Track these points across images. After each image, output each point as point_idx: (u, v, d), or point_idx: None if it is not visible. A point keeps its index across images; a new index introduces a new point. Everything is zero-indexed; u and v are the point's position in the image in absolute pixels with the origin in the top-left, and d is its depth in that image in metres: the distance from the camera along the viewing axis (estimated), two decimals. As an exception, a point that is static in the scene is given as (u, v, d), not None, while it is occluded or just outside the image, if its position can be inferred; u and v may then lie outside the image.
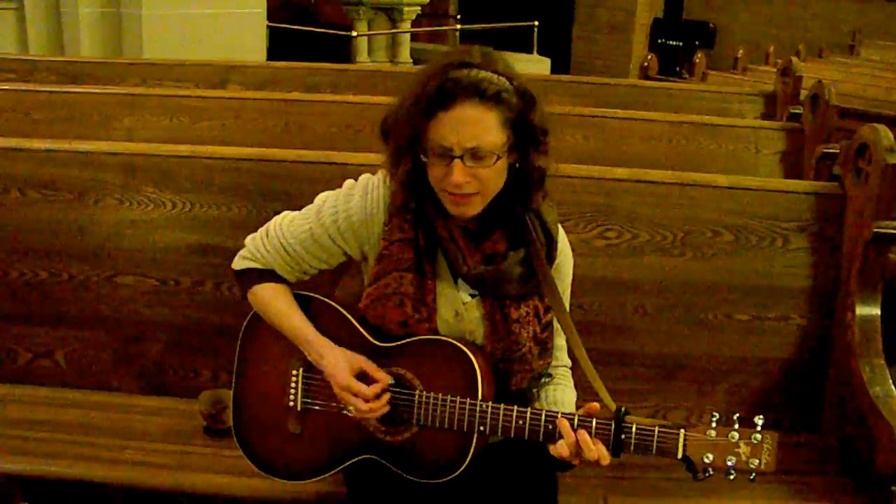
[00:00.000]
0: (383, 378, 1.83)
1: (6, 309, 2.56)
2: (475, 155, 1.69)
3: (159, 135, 3.58)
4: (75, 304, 2.54)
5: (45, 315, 2.55)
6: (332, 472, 1.92)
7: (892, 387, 2.28)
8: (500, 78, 1.70)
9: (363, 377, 1.83)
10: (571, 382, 2.01)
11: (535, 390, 1.96)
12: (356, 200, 1.89)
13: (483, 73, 1.69)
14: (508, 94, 1.70)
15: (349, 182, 1.94)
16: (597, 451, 1.71)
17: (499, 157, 1.71)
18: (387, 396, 1.83)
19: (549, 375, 1.99)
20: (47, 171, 2.53)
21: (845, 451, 2.34)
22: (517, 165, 1.77)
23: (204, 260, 2.49)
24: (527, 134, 1.74)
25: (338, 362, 1.84)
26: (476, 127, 1.68)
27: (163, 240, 2.52)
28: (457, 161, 1.69)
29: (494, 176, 1.74)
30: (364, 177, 1.93)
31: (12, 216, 2.53)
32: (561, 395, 1.96)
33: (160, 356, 2.55)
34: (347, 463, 1.90)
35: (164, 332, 2.54)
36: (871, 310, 2.38)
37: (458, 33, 10.12)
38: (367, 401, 1.81)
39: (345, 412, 1.86)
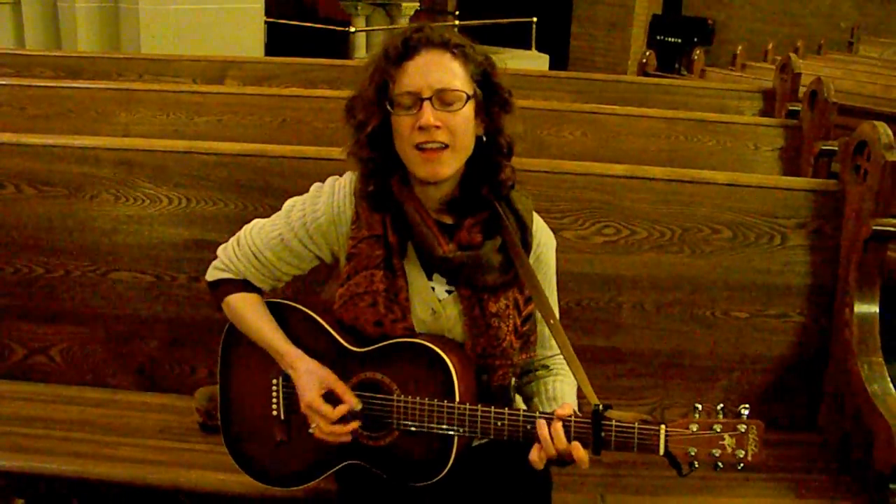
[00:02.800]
0: (349, 401, 1.81)
1: (1, 304, 2.55)
2: (443, 98, 1.71)
3: (156, 130, 3.58)
4: (71, 300, 2.53)
5: (40, 311, 2.55)
6: (320, 478, 1.91)
7: (890, 384, 2.27)
8: (462, 38, 1.78)
9: (332, 396, 1.82)
10: (569, 371, 1.99)
11: (532, 384, 1.95)
12: (323, 201, 1.89)
13: (447, 32, 1.77)
14: (471, 51, 1.76)
15: (316, 185, 1.94)
16: (570, 449, 1.68)
17: (467, 100, 1.73)
18: (354, 424, 1.81)
19: (546, 367, 1.97)
20: (43, 167, 2.52)
21: (843, 449, 2.34)
22: (484, 138, 1.78)
23: (200, 255, 2.47)
24: (493, 91, 1.78)
25: (309, 379, 1.82)
26: (442, 70, 1.73)
27: (159, 235, 2.51)
28: (426, 103, 1.71)
29: (463, 126, 1.74)
30: (330, 179, 1.92)
31: (8, 211, 2.52)
32: (560, 386, 1.94)
33: (156, 352, 2.54)
34: (334, 469, 1.89)
35: (160, 328, 2.53)
36: (869, 307, 2.37)
37: (455, 29, 10.11)
38: (329, 422, 1.80)
39: (309, 431, 1.84)
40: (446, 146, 1.73)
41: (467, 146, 1.77)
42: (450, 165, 1.75)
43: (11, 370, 2.57)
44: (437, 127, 1.70)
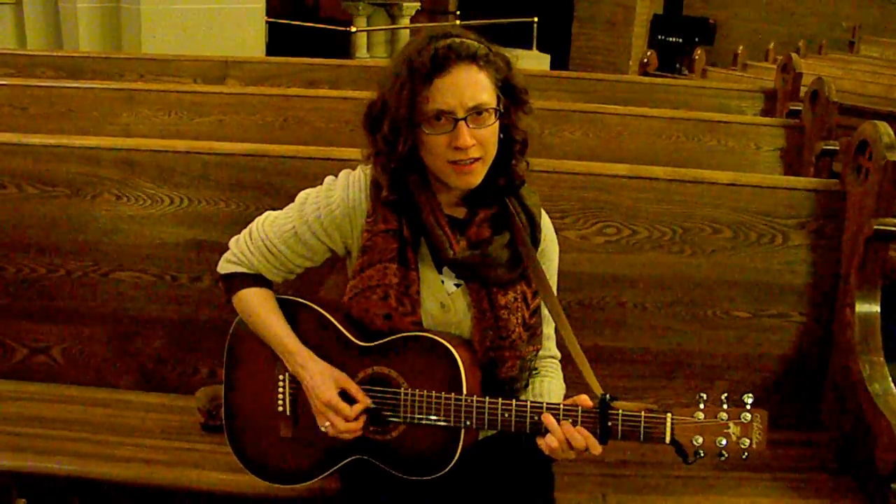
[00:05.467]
0: (363, 399, 1.83)
1: (3, 304, 2.55)
2: (476, 115, 1.73)
3: (157, 130, 3.59)
4: (72, 299, 2.53)
5: (41, 311, 2.55)
6: (325, 474, 1.92)
7: (892, 384, 2.27)
8: (481, 44, 1.77)
9: (344, 396, 1.83)
10: (560, 375, 2.01)
11: (521, 382, 1.95)
12: (338, 194, 1.89)
13: (468, 40, 1.75)
14: (494, 57, 1.77)
15: (329, 178, 1.94)
16: (583, 439, 1.70)
17: (497, 115, 1.76)
18: (363, 419, 1.83)
19: (536, 369, 1.98)
20: (45, 167, 2.52)
21: (844, 449, 2.34)
22: (501, 135, 1.80)
23: (201, 255, 2.48)
24: (512, 94, 1.80)
25: (322, 377, 1.84)
26: (474, 87, 1.73)
27: (160, 235, 2.51)
28: (461, 123, 1.72)
29: (493, 139, 1.77)
30: (344, 171, 1.93)
31: (9, 211, 2.52)
32: (548, 386, 1.95)
33: (157, 352, 2.54)
34: (339, 465, 1.90)
35: (161, 327, 2.53)
36: (870, 307, 2.37)
37: (458, 24, 10.10)
38: (346, 420, 1.81)
39: (322, 429, 1.85)
40: (479, 158, 1.76)
41: (494, 152, 1.80)
42: (482, 174, 1.79)
43: (13, 370, 2.57)
44: (473, 144, 1.73)
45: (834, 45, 10.36)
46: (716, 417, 1.67)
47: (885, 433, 2.13)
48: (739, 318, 2.47)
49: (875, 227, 2.31)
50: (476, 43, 1.75)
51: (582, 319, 2.44)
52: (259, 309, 1.92)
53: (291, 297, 1.95)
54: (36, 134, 2.65)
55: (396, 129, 1.75)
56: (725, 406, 1.68)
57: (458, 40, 1.73)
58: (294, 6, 11.42)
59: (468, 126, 1.72)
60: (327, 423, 1.83)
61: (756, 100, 4.45)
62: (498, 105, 1.76)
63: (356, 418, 1.82)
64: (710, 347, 2.48)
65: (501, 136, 1.80)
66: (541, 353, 1.98)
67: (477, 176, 1.78)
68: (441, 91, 1.71)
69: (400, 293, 1.85)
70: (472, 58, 1.73)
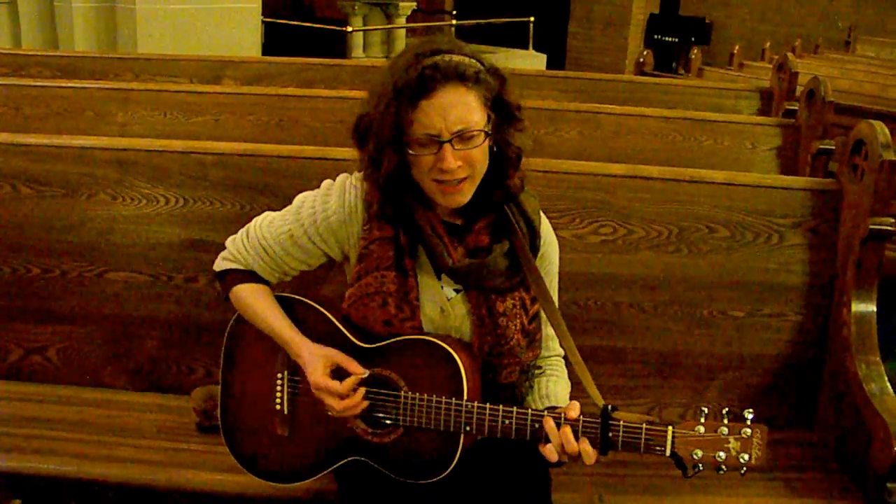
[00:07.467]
0: (357, 371, 1.80)
1: (-2, 305, 2.55)
2: (463, 137, 1.70)
3: (153, 130, 3.58)
4: (68, 299, 2.53)
5: (37, 311, 2.54)
6: (321, 474, 1.91)
7: (888, 383, 2.27)
8: (473, 60, 1.72)
9: (340, 373, 1.81)
10: (565, 373, 2.00)
11: (526, 383, 1.94)
12: (334, 201, 1.88)
13: (457, 58, 1.70)
14: (484, 75, 1.72)
15: (327, 182, 1.93)
16: (579, 447, 1.69)
17: (485, 137, 1.72)
18: (362, 391, 1.80)
19: (540, 367, 1.97)
20: (40, 167, 2.52)
21: (841, 448, 2.34)
22: (494, 149, 1.78)
23: (197, 255, 2.47)
24: (504, 112, 1.76)
25: (312, 359, 1.82)
26: (461, 109, 1.69)
27: (156, 235, 2.50)
28: (446, 146, 1.69)
29: (482, 157, 1.74)
30: (342, 176, 1.92)
31: (4, 211, 2.52)
32: (553, 386, 1.95)
33: (153, 352, 2.54)
34: (336, 465, 1.89)
35: (156, 328, 2.53)
36: (866, 306, 2.37)
37: (453, 29, 10.12)
38: (341, 397, 1.79)
39: (329, 413, 1.84)
40: (466, 178, 1.74)
41: (484, 170, 1.77)
42: (469, 193, 1.77)
43: (8, 370, 2.56)
44: (459, 165, 1.71)
45: (830, 45, 10.38)
46: (716, 432, 1.67)
47: (882, 432, 2.13)
48: (735, 318, 2.47)
49: (871, 226, 2.32)
50: (466, 60, 1.71)
51: (577, 319, 2.43)
52: (256, 302, 1.91)
53: (291, 296, 1.95)
54: (31, 134, 2.65)
55: (381, 148, 1.74)
56: (726, 420, 1.68)
57: (446, 58, 1.69)
58: (289, 6, 11.42)
59: (454, 148, 1.69)
60: (328, 408, 1.81)
61: (752, 99, 4.45)
62: (486, 125, 1.73)
63: (355, 391, 1.79)
64: (706, 347, 2.48)
65: (494, 149, 1.77)
66: (544, 352, 1.97)
67: (464, 195, 1.76)
68: (426, 113, 1.68)
69: (399, 299, 1.84)
70: (461, 78, 1.68)
